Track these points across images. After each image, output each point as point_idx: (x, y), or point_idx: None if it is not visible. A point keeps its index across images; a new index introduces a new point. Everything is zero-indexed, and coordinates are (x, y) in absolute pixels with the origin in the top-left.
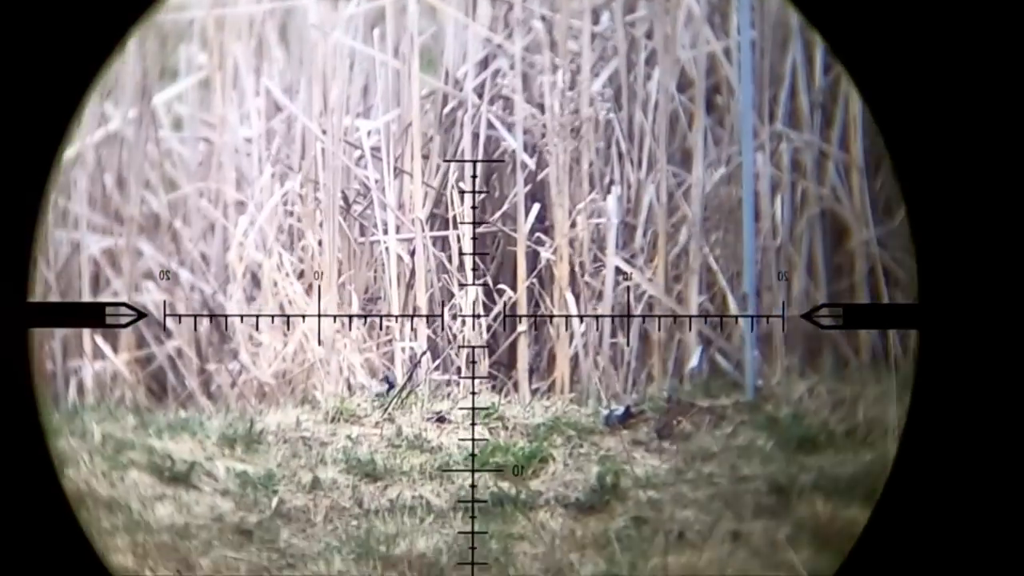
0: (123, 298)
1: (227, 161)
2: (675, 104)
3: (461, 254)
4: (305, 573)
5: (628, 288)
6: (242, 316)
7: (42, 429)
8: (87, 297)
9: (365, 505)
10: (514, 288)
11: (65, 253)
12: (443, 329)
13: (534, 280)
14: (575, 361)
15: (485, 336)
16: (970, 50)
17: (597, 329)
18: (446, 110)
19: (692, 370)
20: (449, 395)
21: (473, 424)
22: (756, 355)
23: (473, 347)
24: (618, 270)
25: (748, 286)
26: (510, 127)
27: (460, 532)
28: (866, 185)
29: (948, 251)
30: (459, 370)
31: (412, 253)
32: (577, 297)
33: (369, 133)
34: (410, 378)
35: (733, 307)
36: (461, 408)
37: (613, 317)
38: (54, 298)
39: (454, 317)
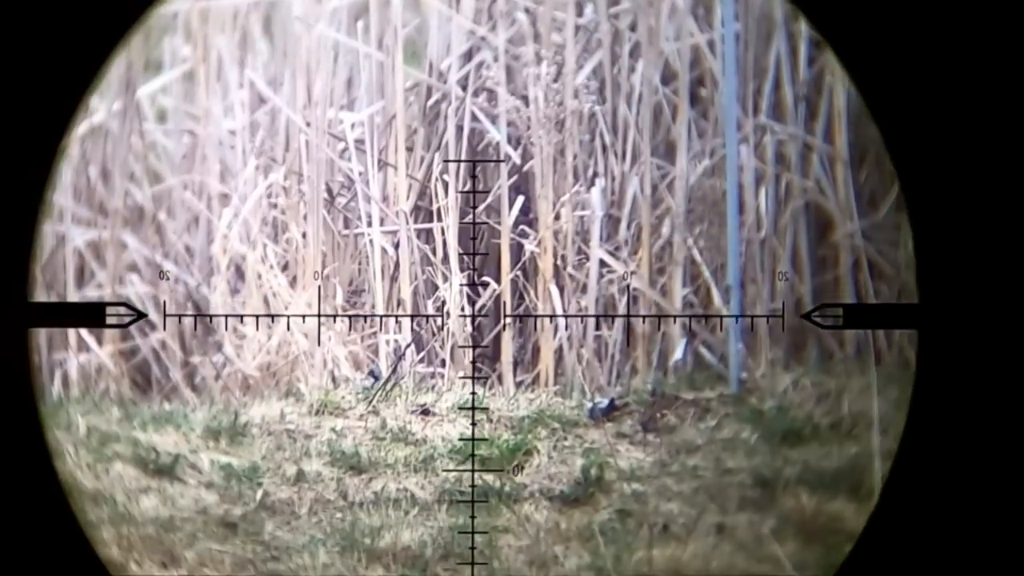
0: (107, 291)
1: (211, 153)
2: (659, 96)
3: (445, 246)
4: (290, 565)
5: (612, 280)
6: (242, 316)
7: (42, 428)
8: (72, 289)
9: (350, 498)
10: (498, 281)
11: (50, 246)
12: (427, 322)
13: (518, 272)
14: (559, 354)
15: (469, 330)
16: (971, 51)
17: (581, 322)
18: (430, 102)
19: (676, 363)
20: (434, 388)
21: (473, 424)
22: (740, 348)
23: (474, 347)
24: (602, 263)
25: (732, 279)
26: (494, 119)
27: (460, 532)
28: (850, 178)
29: (948, 251)
30: (443, 362)
31: (396, 245)
32: (561, 289)
33: (353, 125)
34: (394, 371)
35: (717, 299)
36: (462, 408)
37: (613, 317)
38: (39, 290)
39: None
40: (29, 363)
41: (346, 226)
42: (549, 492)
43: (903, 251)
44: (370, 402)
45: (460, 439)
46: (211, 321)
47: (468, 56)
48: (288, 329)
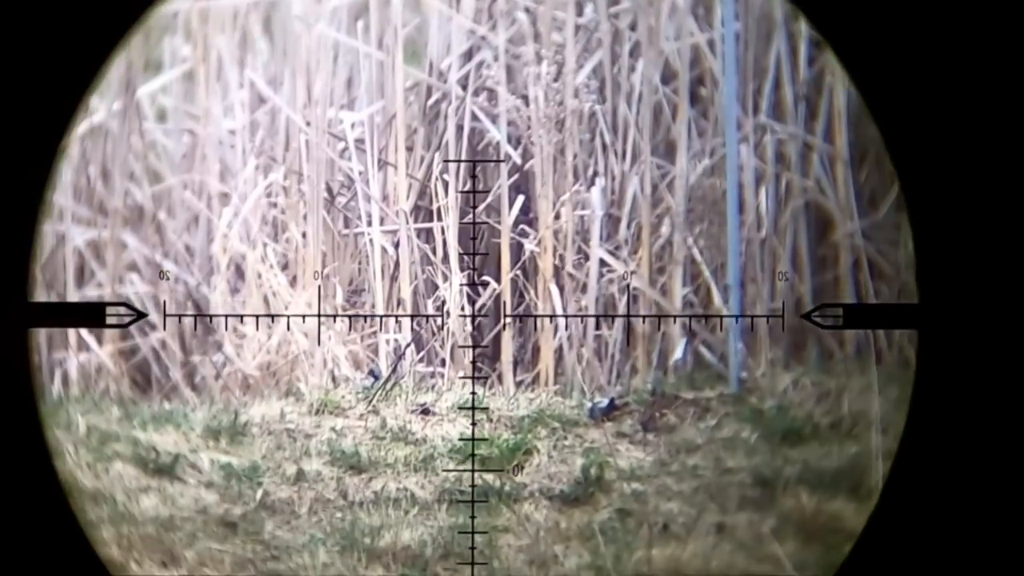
0: (107, 290)
1: (211, 153)
2: (659, 96)
3: (445, 246)
4: (290, 565)
5: (612, 280)
6: (242, 316)
7: (42, 428)
8: (72, 289)
9: (350, 497)
10: (498, 280)
11: (50, 245)
12: (427, 322)
13: (518, 272)
14: (559, 353)
15: (469, 330)
16: (971, 50)
17: (581, 322)
18: (430, 102)
19: (676, 362)
20: (433, 387)
21: (473, 424)
22: (740, 347)
23: (474, 346)
24: (602, 262)
25: (732, 278)
26: (494, 119)
27: (460, 532)
28: (851, 177)
29: (948, 251)
30: (443, 362)
31: (396, 245)
32: (561, 289)
33: (353, 125)
34: (394, 370)
35: (717, 299)
36: (462, 408)
37: (613, 316)
38: (39, 290)
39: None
40: (29, 363)
41: (346, 226)
42: (549, 492)
43: (903, 251)
44: (370, 402)
45: (460, 439)
46: (211, 321)
47: (468, 55)
48: (288, 329)
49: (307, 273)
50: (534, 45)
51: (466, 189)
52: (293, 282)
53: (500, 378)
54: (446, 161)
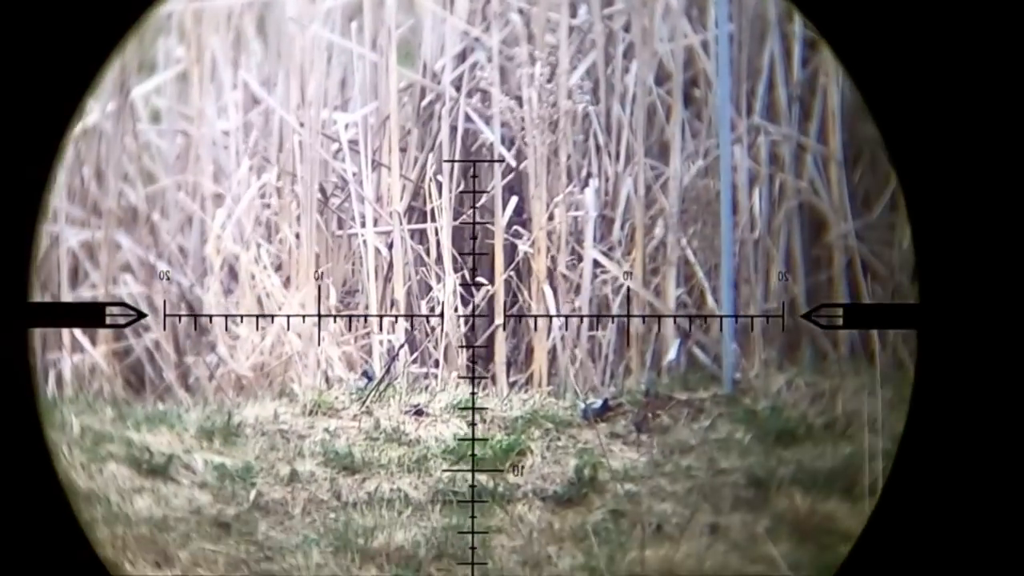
0: (101, 291)
1: (205, 154)
2: (653, 97)
3: (439, 247)
4: (283, 566)
5: (606, 281)
6: (242, 317)
7: (42, 428)
8: (66, 290)
9: (343, 498)
10: (492, 281)
11: (44, 246)
12: (421, 322)
13: (512, 273)
14: (553, 354)
15: (463, 331)
16: (970, 48)
17: (578, 321)
18: (424, 103)
19: (670, 363)
20: (427, 388)
21: (473, 424)
22: (734, 348)
23: (469, 347)
24: (596, 263)
25: (726, 279)
26: (488, 120)
27: (459, 532)
28: (844, 178)
29: (948, 251)
30: (437, 363)
31: (390, 246)
32: (555, 290)
33: (347, 126)
34: (388, 371)
35: (711, 300)
36: (461, 408)
37: (611, 317)
38: (34, 290)
39: (461, 317)
40: (29, 363)
41: (340, 227)
42: (542, 492)
43: (897, 251)
44: (364, 402)
45: (458, 439)
46: (211, 321)
47: (462, 57)
48: (287, 329)
49: (300, 274)
50: (528, 46)
51: (460, 190)
52: (287, 283)
53: (494, 379)
54: (441, 161)
